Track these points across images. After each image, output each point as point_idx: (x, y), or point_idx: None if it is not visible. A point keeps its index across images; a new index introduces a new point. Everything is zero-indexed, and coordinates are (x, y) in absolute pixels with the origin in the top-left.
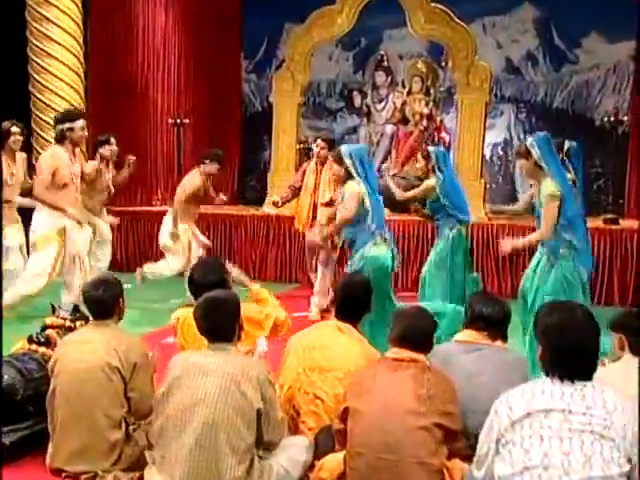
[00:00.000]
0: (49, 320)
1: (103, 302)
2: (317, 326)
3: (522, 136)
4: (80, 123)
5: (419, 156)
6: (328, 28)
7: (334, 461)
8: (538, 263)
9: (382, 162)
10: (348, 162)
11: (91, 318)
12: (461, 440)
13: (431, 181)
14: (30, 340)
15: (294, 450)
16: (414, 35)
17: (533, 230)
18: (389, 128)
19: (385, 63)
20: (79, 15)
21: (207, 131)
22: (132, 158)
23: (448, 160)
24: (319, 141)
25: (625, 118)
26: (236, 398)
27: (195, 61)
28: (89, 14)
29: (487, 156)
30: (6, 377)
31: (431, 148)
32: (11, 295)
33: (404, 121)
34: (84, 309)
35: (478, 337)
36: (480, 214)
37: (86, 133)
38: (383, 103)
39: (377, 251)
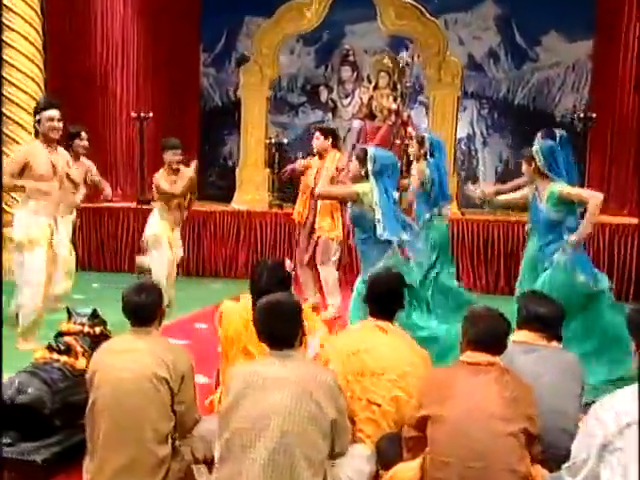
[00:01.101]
0: (65, 326)
1: (145, 308)
2: (354, 329)
3: (485, 131)
4: (47, 114)
5: (413, 141)
6: (297, 22)
7: (409, 470)
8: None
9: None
10: (369, 166)
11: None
12: (538, 444)
13: (422, 165)
14: (50, 348)
15: (358, 461)
16: (383, 30)
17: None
18: (356, 123)
19: (351, 58)
20: (37, 3)
21: (166, 125)
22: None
23: (442, 148)
24: (317, 133)
25: (585, 114)
26: (310, 408)
27: (154, 54)
28: (47, 2)
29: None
30: (31, 389)
31: (427, 134)
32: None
33: (371, 116)
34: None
35: (534, 338)
36: (454, 209)
37: (57, 124)
38: (349, 98)
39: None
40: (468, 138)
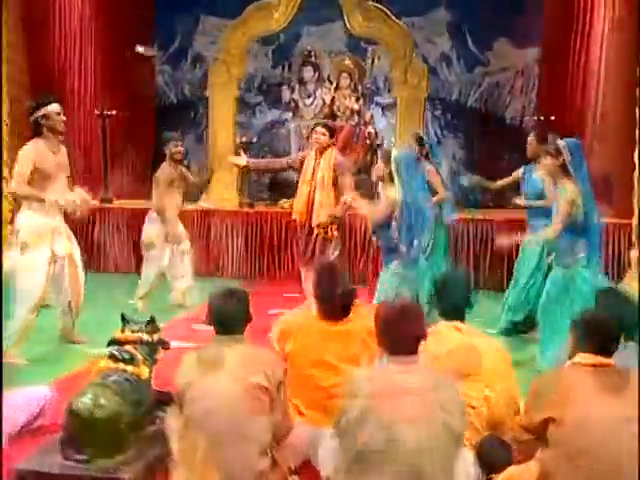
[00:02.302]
0: (121, 334)
1: (234, 315)
2: (431, 332)
3: (439, 132)
4: (54, 108)
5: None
6: (265, 22)
7: (525, 472)
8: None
9: None
10: (392, 166)
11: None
12: None
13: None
14: (114, 358)
15: (465, 465)
16: (349, 32)
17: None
18: (317, 119)
19: (312, 59)
20: None
21: (122, 123)
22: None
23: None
24: (318, 128)
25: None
26: (443, 418)
27: (110, 50)
28: None
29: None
30: (104, 401)
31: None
32: None
33: (332, 117)
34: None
35: None
36: None
37: (63, 118)
38: (311, 98)
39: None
40: None
